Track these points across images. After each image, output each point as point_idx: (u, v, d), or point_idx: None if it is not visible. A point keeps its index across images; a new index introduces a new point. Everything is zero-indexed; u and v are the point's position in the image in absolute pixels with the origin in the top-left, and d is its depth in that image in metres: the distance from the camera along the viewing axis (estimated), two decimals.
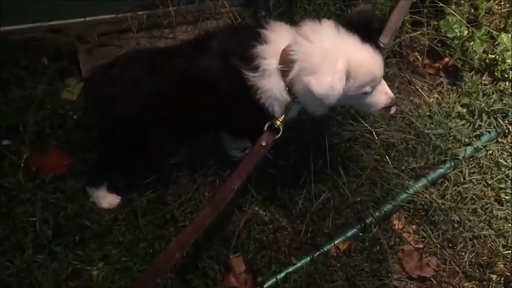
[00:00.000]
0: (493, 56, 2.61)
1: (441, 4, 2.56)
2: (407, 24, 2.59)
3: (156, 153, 1.89)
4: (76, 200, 1.97)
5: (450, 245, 2.18)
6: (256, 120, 1.71)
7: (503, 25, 2.68)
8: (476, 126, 2.46)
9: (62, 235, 1.90)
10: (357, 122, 2.30)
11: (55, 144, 2.10)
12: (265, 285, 1.94)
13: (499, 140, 2.47)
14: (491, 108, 2.47)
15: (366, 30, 1.65)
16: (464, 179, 2.32)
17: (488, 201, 2.29)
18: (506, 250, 2.19)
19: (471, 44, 2.59)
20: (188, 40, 1.97)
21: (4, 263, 1.83)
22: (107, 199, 2.01)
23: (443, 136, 2.38)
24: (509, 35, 2.59)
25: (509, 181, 2.36)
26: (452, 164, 2.32)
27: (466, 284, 2.11)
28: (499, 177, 2.36)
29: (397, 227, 2.17)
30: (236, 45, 1.69)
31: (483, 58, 2.63)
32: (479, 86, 2.57)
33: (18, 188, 1.95)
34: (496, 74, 2.61)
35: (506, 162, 2.40)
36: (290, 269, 1.98)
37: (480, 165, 2.39)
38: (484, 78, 2.62)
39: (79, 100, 2.18)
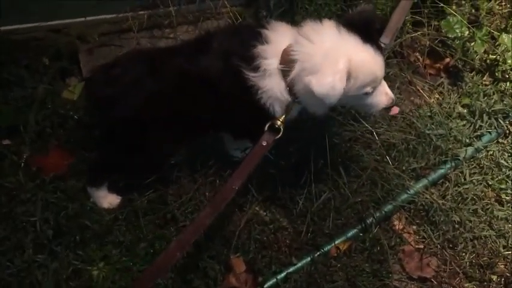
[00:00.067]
0: (494, 57, 2.61)
1: (442, 4, 2.56)
2: (408, 25, 2.59)
3: (156, 153, 1.89)
4: (76, 199, 1.97)
5: (451, 245, 2.18)
6: (257, 120, 1.71)
7: (504, 25, 2.68)
8: (477, 127, 2.46)
9: (62, 235, 1.90)
10: (358, 122, 2.30)
11: (56, 144, 2.10)
12: (266, 286, 1.94)
13: (500, 140, 2.47)
14: (492, 109, 2.47)
15: (367, 30, 1.65)
16: (464, 179, 2.32)
17: (488, 201, 2.29)
18: (507, 251, 2.19)
19: (472, 44, 2.58)
20: (189, 40, 1.97)
21: (4, 262, 1.83)
22: (108, 199, 2.01)
23: (444, 136, 2.38)
24: (510, 36, 2.58)
25: (509, 182, 2.36)
26: (453, 164, 2.32)
27: (466, 285, 2.11)
28: (499, 177, 2.36)
29: (397, 227, 2.17)
30: (237, 45, 1.69)
31: (484, 58, 2.62)
32: (480, 87, 2.57)
33: (19, 187, 1.95)
34: (496, 74, 2.60)
35: (507, 162, 2.40)
36: (291, 269, 1.98)
37: (481, 165, 2.38)
38: (484, 78, 2.62)
39: (80, 100, 2.18)
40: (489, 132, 2.44)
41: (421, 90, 2.57)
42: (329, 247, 2.04)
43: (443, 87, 2.60)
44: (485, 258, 2.16)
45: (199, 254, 1.94)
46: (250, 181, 2.00)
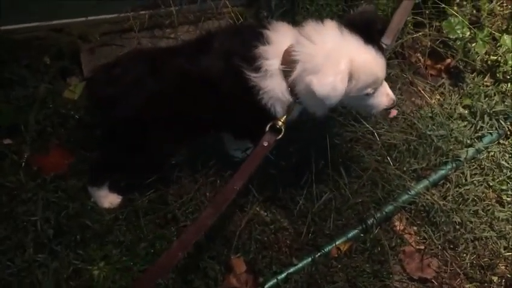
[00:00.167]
0: (495, 58, 2.61)
1: (443, 5, 2.56)
2: (409, 25, 2.59)
3: (157, 153, 1.89)
4: (77, 199, 1.97)
5: (451, 246, 2.17)
6: (258, 121, 1.71)
7: (505, 26, 2.68)
8: (478, 128, 2.45)
9: (63, 234, 1.90)
10: (359, 123, 2.30)
11: (56, 143, 2.10)
12: (266, 286, 1.94)
13: (501, 141, 2.47)
14: (493, 110, 2.47)
15: (369, 31, 1.65)
16: (465, 180, 2.32)
17: (489, 202, 2.29)
18: (508, 252, 2.19)
19: (473, 45, 2.59)
20: (190, 40, 1.97)
21: (5, 262, 1.83)
22: (108, 199, 2.01)
23: (444, 137, 2.38)
24: (511, 37, 2.58)
25: (510, 183, 2.36)
26: (454, 165, 2.31)
27: (467, 286, 2.10)
28: (500, 178, 2.36)
29: (398, 228, 2.17)
30: (238, 46, 1.69)
31: (485, 59, 2.63)
32: (481, 88, 2.57)
33: (19, 187, 1.95)
34: (498, 75, 2.60)
35: (508, 163, 2.39)
36: (291, 270, 1.98)
37: (482, 166, 2.38)
38: (486, 79, 2.62)
39: (81, 99, 2.18)
40: (490, 133, 2.44)
41: (422, 91, 2.57)
42: (330, 248, 2.04)
43: (445, 88, 2.60)
44: (486, 259, 2.16)
45: (199, 254, 1.93)
46: (251, 181, 2.00)
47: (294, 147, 2.14)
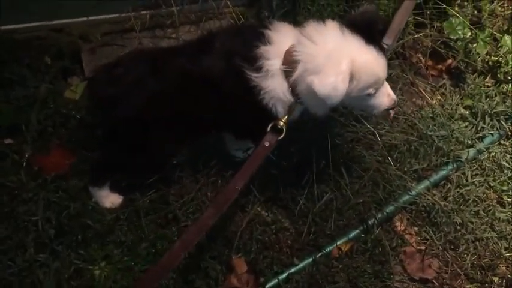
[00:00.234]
0: (496, 58, 2.60)
1: (444, 6, 2.56)
2: (410, 26, 2.59)
3: (158, 153, 1.89)
4: (78, 199, 1.97)
5: (452, 247, 2.17)
6: (259, 121, 1.71)
7: (506, 27, 2.68)
8: (479, 128, 2.45)
9: (64, 234, 1.90)
10: (360, 123, 2.30)
11: (57, 143, 2.10)
12: (267, 286, 1.94)
13: (502, 142, 2.46)
14: (494, 111, 2.47)
15: (370, 31, 1.65)
16: (466, 181, 2.31)
17: (490, 203, 2.29)
18: (508, 252, 2.19)
19: (474, 46, 2.58)
20: (191, 40, 1.97)
21: (6, 262, 1.83)
22: (110, 198, 2.01)
23: (445, 138, 2.37)
24: None
25: (511, 183, 2.36)
26: (455, 166, 2.31)
27: (467, 286, 2.10)
28: (501, 179, 2.36)
29: (399, 228, 2.17)
30: (239, 46, 1.69)
31: (486, 60, 2.62)
32: (482, 88, 2.57)
33: (20, 187, 1.95)
34: (499, 76, 2.60)
35: (509, 164, 2.39)
36: (292, 270, 1.98)
37: (483, 167, 2.38)
38: (487, 80, 2.62)
39: (82, 99, 2.18)
40: (491, 133, 2.44)
41: (423, 92, 2.57)
42: (331, 248, 2.04)
43: (446, 89, 2.60)
44: (486, 260, 2.16)
45: (201, 254, 1.93)
46: (252, 182, 2.00)
47: (295, 148, 2.14)
